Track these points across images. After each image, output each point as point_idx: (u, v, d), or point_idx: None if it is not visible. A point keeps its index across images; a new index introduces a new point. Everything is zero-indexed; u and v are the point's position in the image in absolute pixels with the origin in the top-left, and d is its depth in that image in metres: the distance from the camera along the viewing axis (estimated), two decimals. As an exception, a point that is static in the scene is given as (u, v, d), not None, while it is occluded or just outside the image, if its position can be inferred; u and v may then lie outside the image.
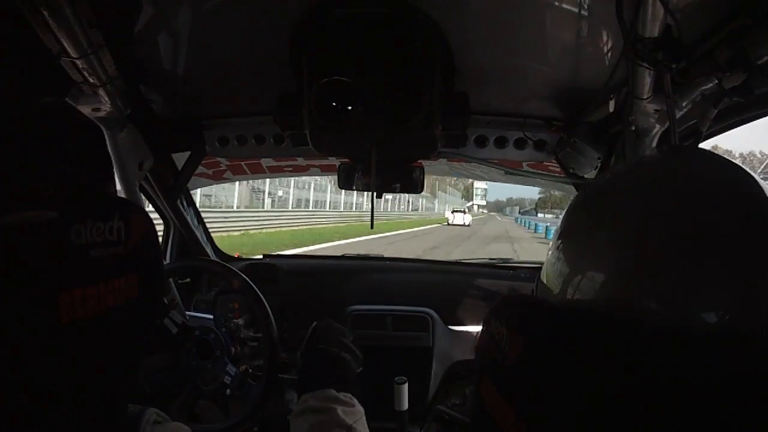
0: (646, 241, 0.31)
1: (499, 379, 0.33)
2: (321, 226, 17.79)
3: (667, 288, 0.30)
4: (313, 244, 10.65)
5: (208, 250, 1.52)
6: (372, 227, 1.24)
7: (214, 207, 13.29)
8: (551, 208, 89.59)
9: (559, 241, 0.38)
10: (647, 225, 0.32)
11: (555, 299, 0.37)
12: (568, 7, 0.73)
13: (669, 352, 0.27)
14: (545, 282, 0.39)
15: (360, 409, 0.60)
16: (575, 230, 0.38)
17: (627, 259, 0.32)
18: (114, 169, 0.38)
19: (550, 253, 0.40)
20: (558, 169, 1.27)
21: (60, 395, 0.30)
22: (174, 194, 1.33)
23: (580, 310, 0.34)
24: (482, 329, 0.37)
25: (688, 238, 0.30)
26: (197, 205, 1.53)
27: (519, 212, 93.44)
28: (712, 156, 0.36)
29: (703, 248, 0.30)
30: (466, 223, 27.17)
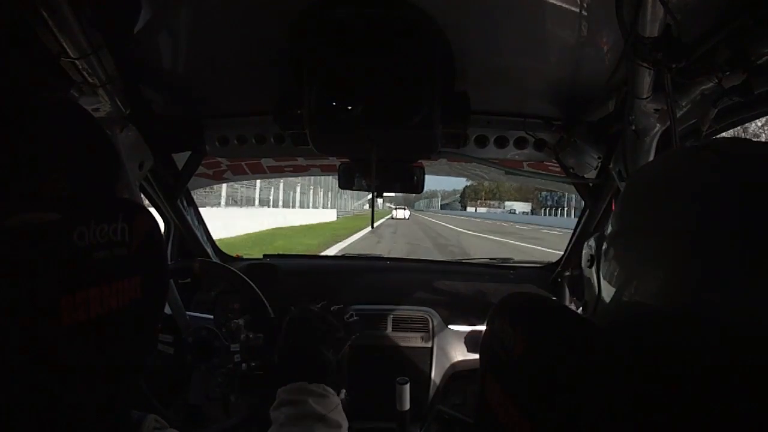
0: (705, 240, 0.30)
1: (503, 376, 0.33)
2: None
3: (735, 288, 0.29)
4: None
5: (209, 250, 1.52)
6: (372, 227, 1.24)
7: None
8: (485, 199, 77.19)
9: (612, 243, 0.38)
10: (705, 224, 0.31)
11: (608, 303, 0.36)
12: (568, 7, 0.72)
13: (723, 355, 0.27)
14: (595, 284, 0.39)
15: (335, 399, 0.62)
16: (630, 231, 0.37)
17: (690, 260, 0.31)
18: (122, 169, 0.38)
19: (595, 254, 0.39)
20: (558, 169, 1.27)
21: (62, 399, 0.29)
22: (174, 194, 1.33)
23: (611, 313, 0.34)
24: (486, 327, 0.37)
25: (747, 236, 0.29)
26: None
27: (440, 206, 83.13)
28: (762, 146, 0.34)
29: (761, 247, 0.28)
30: (406, 217, 29.74)
